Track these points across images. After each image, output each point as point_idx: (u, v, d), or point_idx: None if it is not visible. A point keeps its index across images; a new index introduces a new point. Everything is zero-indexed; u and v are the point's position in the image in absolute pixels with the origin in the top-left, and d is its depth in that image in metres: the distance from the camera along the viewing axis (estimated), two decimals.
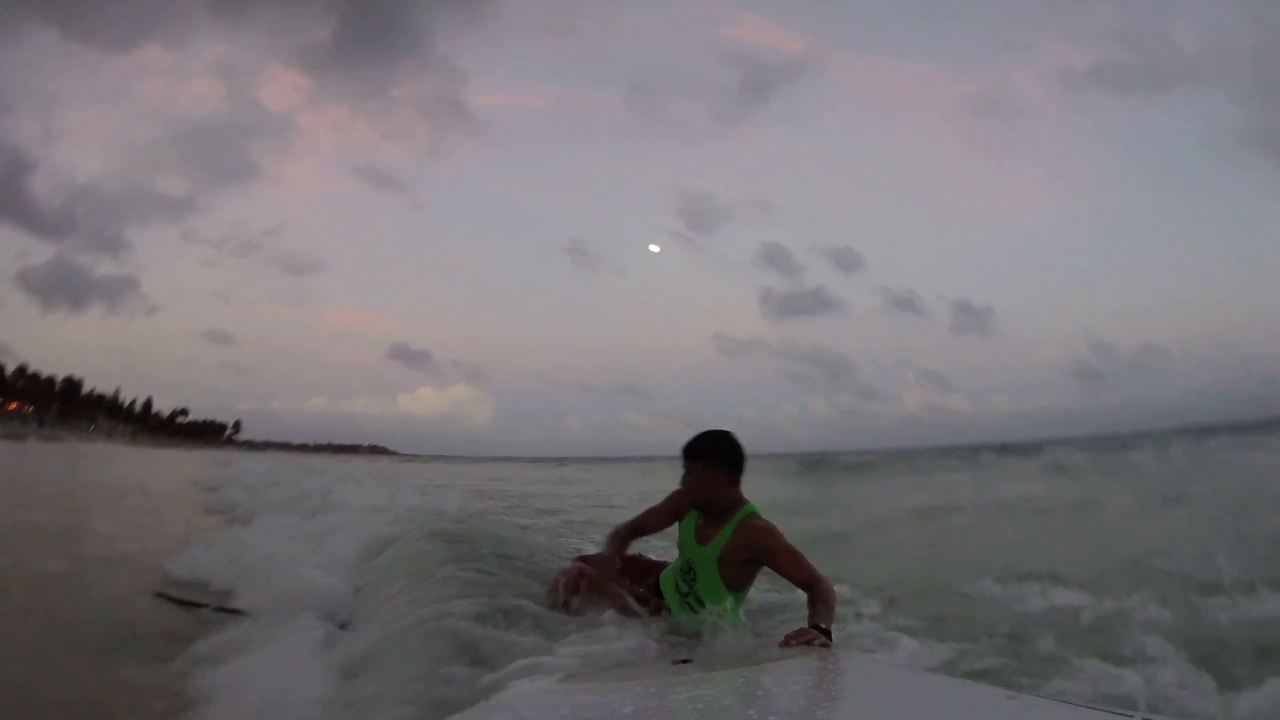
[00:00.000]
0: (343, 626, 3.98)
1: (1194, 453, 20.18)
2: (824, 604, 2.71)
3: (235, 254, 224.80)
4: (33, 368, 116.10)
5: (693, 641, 2.88)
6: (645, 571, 3.49)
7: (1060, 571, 5.19)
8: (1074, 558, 6.17)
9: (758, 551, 2.97)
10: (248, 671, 3.06)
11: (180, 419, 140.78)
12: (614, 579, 3.28)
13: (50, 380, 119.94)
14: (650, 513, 3.42)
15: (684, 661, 2.43)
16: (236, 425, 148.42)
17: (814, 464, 28.40)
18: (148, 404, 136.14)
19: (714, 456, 3.09)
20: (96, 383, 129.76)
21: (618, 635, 2.95)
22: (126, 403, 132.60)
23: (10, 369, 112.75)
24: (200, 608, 4.64)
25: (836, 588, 4.82)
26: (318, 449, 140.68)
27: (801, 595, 2.89)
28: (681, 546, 3.22)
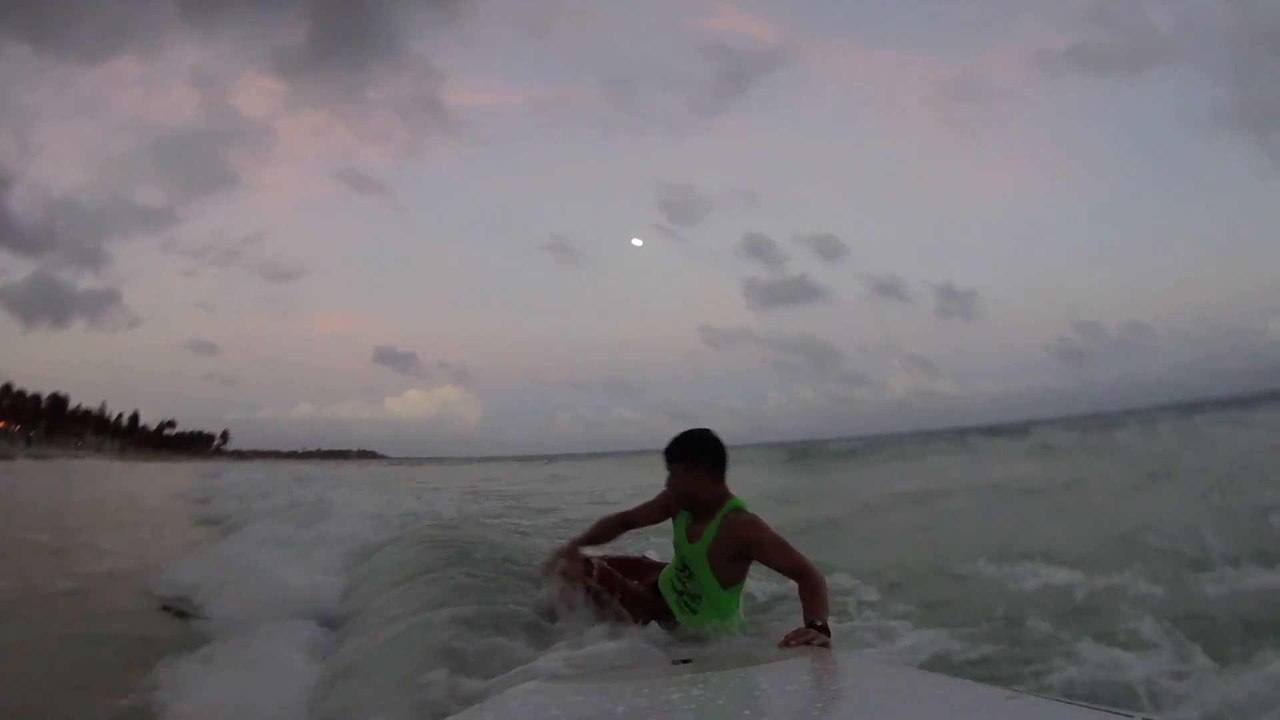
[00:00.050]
0: (332, 632, 3.96)
1: (1181, 429, 20.37)
2: (817, 597, 2.69)
3: (217, 263, 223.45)
4: (17, 386, 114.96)
5: (692, 642, 2.87)
6: (646, 572, 3.54)
7: (1052, 550, 5.23)
8: (1065, 537, 6.21)
9: (744, 545, 2.98)
10: (230, 679, 3.04)
11: (168, 431, 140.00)
12: (572, 553, 3.48)
13: (36, 398, 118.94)
14: (642, 508, 3.50)
15: (683, 662, 2.43)
16: (224, 435, 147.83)
17: (803, 452, 28.47)
18: (134, 417, 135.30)
19: (694, 456, 3.12)
20: (82, 398, 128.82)
21: (616, 636, 2.97)
22: (113, 417, 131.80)
23: None
24: (200, 619, 4.62)
25: (835, 575, 4.92)
26: (307, 456, 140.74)
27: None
28: (676, 545, 3.27)
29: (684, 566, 3.17)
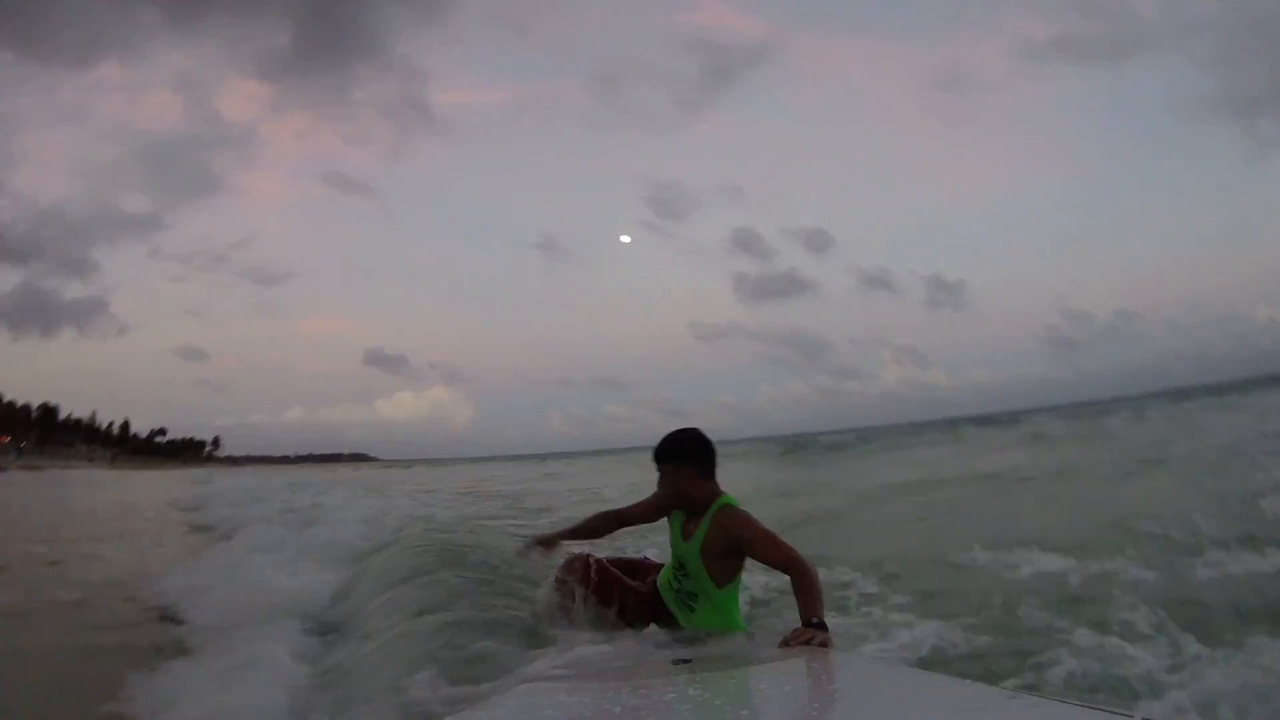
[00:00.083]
0: (322, 637, 3.94)
1: (1171, 415, 20.59)
2: (811, 592, 2.66)
3: (204, 269, 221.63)
4: (7, 397, 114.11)
5: (692, 642, 2.86)
6: (647, 572, 3.53)
7: (1046, 538, 5.27)
8: (1058, 524, 6.25)
9: (735, 541, 2.98)
10: (216, 684, 3.03)
11: (159, 439, 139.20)
12: (554, 543, 3.59)
13: (26, 408, 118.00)
14: (636, 506, 3.50)
15: (683, 662, 2.42)
16: (216, 442, 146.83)
17: (796, 445, 28.65)
18: (125, 426, 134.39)
19: (683, 456, 3.13)
20: (73, 407, 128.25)
21: (616, 636, 2.97)
22: (104, 426, 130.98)
23: None
24: (188, 626, 4.59)
25: (836, 568, 4.95)
26: (299, 460, 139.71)
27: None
28: (672, 544, 3.27)
29: (680, 565, 3.17)
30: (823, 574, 4.77)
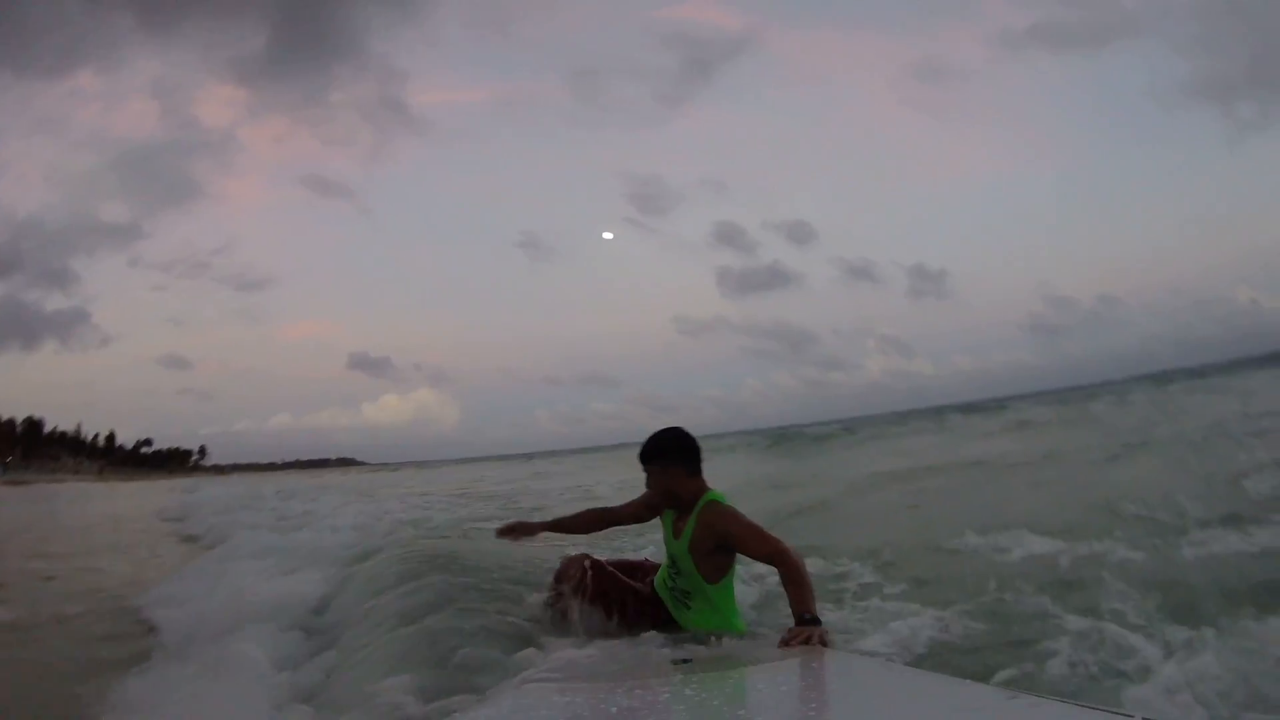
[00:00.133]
0: (307, 643, 3.90)
1: (1154, 398, 20.81)
2: (801, 586, 2.67)
3: (185, 276, 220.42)
4: None
5: (691, 642, 2.86)
6: (646, 573, 3.55)
7: (1035, 521, 5.31)
8: (1046, 508, 6.31)
9: (721, 536, 2.98)
10: (195, 692, 3.01)
11: (145, 449, 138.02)
12: (536, 531, 3.66)
13: (10, 422, 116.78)
14: (626, 506, 3.52)
15: (684, 661, 2.42)
16: (202, 451, 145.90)
17: (783, 438, 28.52)
18: (110, 437, 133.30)
19: (667, 456, 3.15)
20: (57, 420, 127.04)
21: (614, 637, 2.99)
22: (89, 438, 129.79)
23: None
24: (168, 635, 4.56)
25: (831, 558, 4.96)
26: (286, 467, 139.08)
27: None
28: (665, 543, 3.28)
29: (673, 563, 3.18)
30: (819, 564, 4.88)
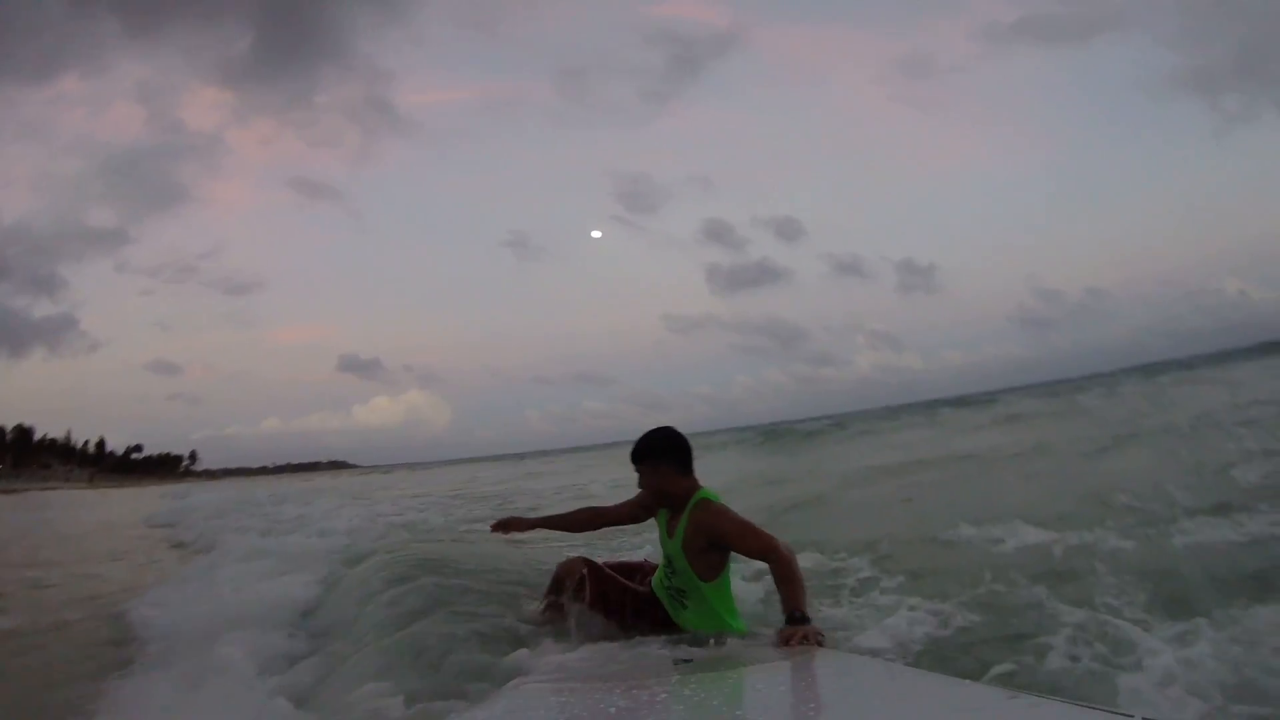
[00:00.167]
0: (295, 648, 3.88)
1: (1144, 390, 20.95)
2: (791, 583, 2.67)
3: (173, 281, 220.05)
4: None
5: (690, 642, 2.85)
6: (645, 574, 3.56)
7: (1028, 513, 5.34)
8: (1038, 499, 6.34)
9: (713, 534, 2.98)
10: (179, 698, 2.99)
11: (135, 455, 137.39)
12: (528, 527, 3.65)
13: (0, 431, 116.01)
14: (623, 505, 3.50)
15: (684, 661, 2.41)
16: (192, 456, 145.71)
17: (775, 434, 28.55)
18: (101, 444, 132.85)
19: (657, 455, 3.14)
20: (47, 428, 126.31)
21: (613, 638, 2.98)
22: (80, 445, 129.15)
23: None
24: (156, 642, 4.54)
25: (828, 552, 4.97)
26: (277, 471, 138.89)
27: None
28: (661, 543, 3.28)
29: (669, 562, 3.19)
30: (817, 558, 4.90)
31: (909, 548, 5.10)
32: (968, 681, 1.76)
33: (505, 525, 3.65)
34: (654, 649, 2.74)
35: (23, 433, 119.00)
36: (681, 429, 3.19)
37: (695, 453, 3.16)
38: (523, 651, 2.92)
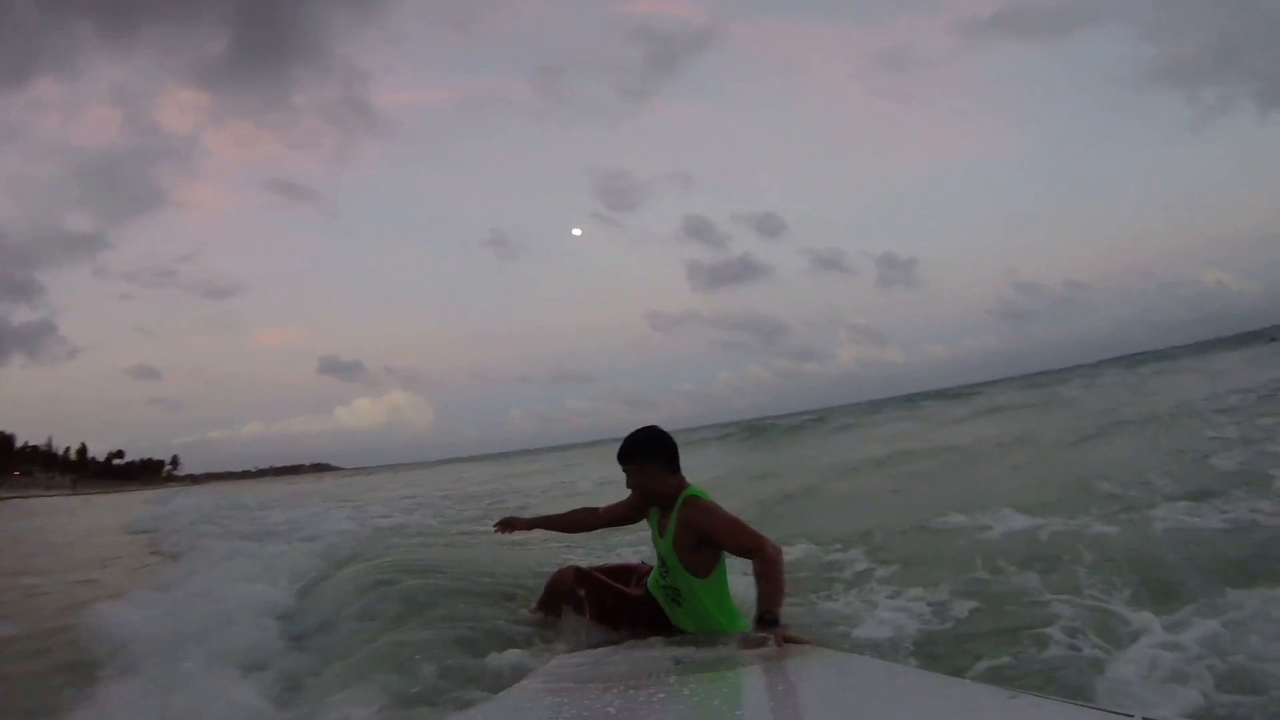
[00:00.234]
0: (282, 652, 3.84)
1: (1125, 380, 21.19)
2: (769, 580, 2.69)
3: (152, 285, 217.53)
4: None
5: (688, 643, 2.85)
6: (640, 576, 3.57)
7: (1013, 501, 5.40)
8: (1023, 488, 6.41)
9: (702, 531, 2.98)
10: (160, 704, 2.94)
11: (117, 461, 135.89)
12: (527, 527, 3.72)
13: None
14: (617, 505, 3.51)
15: (680, 663, 2.41)
16: (175, 461, 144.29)
17: (758, 429, 28.59)
18: (82, 450, 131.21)
19: (644, 455, 3.16)
20: (27, 435, 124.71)
21: (610, 640, 2.99)
22: (61, 451, 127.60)
23: None
24: (132, 648, 4.48)
25: (820, 544, 4.99)
26: (260, 474, 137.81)
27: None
28: (653, 542, 3.29)
29: (662, 562, 3.19)
30: (810, 549, 4.91)
31: (900, 537, 5.14)
32: (967, 681, 1.76)
33: (506, 525, 3.72)
34: (651, 650, 2.73)
35: (3, 440, 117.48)
36: (665, 426, 3.20)
37: (680, 450, 3.16)
38: (517, 654, 2.92)
